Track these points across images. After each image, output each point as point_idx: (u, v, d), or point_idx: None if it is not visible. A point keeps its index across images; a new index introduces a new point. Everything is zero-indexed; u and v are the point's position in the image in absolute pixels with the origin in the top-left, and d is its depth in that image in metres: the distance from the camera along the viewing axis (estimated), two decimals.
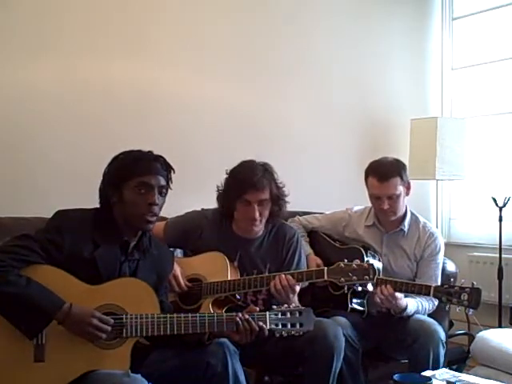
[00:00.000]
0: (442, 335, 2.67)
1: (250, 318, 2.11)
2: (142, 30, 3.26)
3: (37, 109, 2.96)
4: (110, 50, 3.16)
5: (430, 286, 2.64)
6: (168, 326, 2.03)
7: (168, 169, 2.16)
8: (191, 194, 3.22)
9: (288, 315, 2.16)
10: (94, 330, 1.93)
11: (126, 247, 2.14)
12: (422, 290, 2.65)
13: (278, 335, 2.14)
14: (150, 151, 2.16)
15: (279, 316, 2.15)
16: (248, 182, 2.51)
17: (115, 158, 2.17)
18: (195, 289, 2.52)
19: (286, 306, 2.19)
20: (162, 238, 2.66)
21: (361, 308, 2.81)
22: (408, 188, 2.89)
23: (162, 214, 2.95)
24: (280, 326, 2.14)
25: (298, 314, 2.17)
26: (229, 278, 2.49)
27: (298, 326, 2.15)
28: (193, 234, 2.65)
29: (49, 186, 2.97)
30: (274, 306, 2.20)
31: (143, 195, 2.09)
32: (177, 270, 2.51)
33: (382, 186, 2.80)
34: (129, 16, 3.23)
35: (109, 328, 1.95)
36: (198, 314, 2.10)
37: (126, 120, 3.20)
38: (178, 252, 2.78)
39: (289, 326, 2.15)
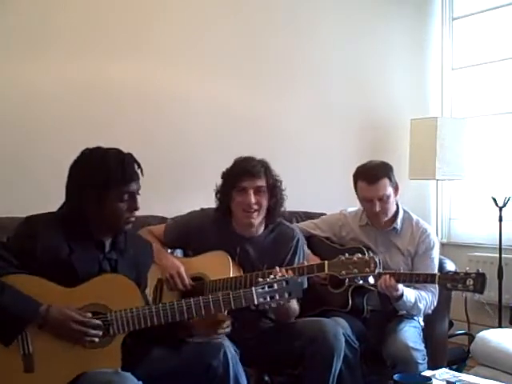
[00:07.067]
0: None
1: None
2: (142, 30, 3.26)
3: (36, 109, 2.96)
4: (109, 50, 3.16)
5: (435, 274, 2.66)
6: (154, 316, 1.98)
7: (141, 170, 2.09)
8: (191, 193, 3.23)
9: (275, 286, 2.11)
10: (78, 335, 1.87)
11: (101, 245, 2.09)
12: (427, 279, 2.67)
13: (267, 307, 2.10)
14: (120, 151, 2.07)
15: (266, 289, 2.11)
16: (243, 169, 2.52)
17: (86, 158, 2.05)
18: (198, 287, 2.52)
19: (271, 277, 2.14)
20: (162, 240, 2.66)
21: (360, 306, 2.81)
22: (396, 190, 2.91)
23: (162, 214, 2.99)
24: (268, 299, 2.10)
25: (284, 284, 2.12)
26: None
27: (286, 295, 2.11)
28: (194, 234, 2.63)
29: (49, 186, 2.95)
30: (260, 279, 2.15)
31: (126, 202, 2.04)
32: (181, 267, 2.52)
33: (372, 189, 2.82)
34: (129, 16, 3.22)
35: (90, 330, 1.89)
36: (183, 300, 2.05)
37: (126, 120, 3.20)
38: (178, 252, 2.77)
39: (277, 296, 2.11)
